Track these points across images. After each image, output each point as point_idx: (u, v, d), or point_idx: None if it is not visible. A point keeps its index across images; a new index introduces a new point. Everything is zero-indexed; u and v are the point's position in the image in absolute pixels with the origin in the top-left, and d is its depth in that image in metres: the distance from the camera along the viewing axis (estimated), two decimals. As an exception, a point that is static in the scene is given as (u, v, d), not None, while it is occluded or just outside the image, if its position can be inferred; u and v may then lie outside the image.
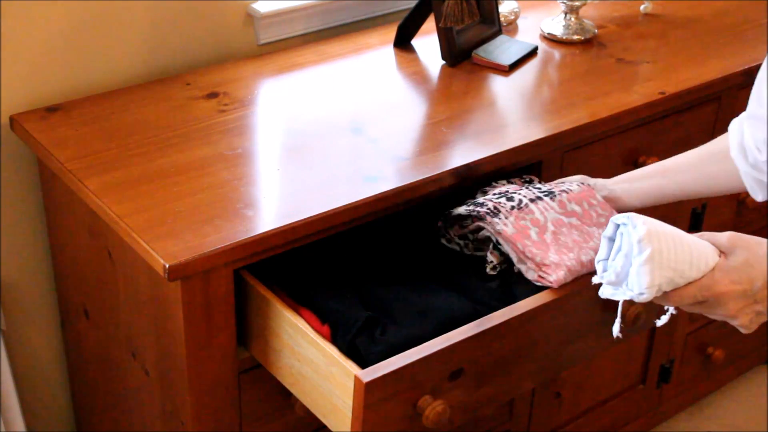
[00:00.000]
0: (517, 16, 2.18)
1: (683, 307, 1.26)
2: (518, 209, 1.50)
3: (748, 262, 1.21)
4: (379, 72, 1.94)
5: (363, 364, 1.33)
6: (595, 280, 1.28)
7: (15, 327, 1.90)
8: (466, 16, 1.95)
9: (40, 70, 1.77)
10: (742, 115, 1.39)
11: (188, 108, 1.76)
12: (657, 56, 2.03)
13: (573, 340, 1.52)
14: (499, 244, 1.48)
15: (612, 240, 1.26)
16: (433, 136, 1.70)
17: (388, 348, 1.35)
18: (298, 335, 1.41)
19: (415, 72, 1.95)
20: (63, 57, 1.78)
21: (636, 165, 1.90)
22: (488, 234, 1.49)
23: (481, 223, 1.50)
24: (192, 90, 1.82)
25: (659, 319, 1.30)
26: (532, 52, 2.03)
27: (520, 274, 1.49)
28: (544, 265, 1.46)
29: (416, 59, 2.00)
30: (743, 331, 1.24)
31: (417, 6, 1.99)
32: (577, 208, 1.54)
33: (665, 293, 1.23)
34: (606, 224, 1.49)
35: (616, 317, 1.30)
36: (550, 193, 1.54)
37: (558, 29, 2.09)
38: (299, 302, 1.46)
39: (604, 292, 1.27)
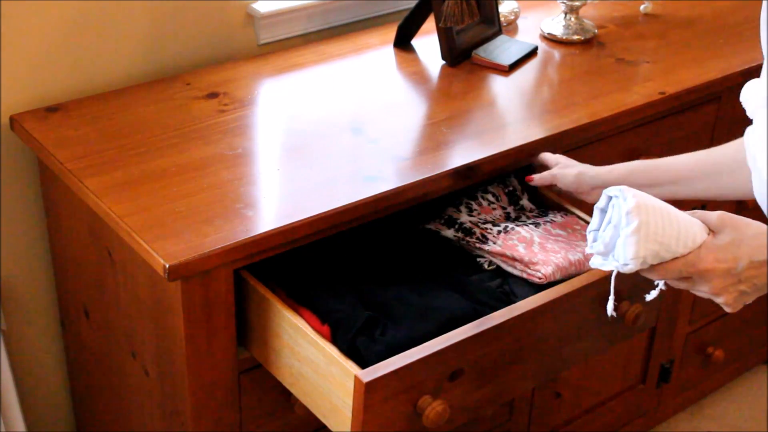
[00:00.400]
0: (517, 16, 2.18)
1: (670, 282, 1.28)
2: (505, 233, 1.56)
3: (735, 242, 1.22)
4: (379, 72, 1.94)
5: (363, 364, 1.33)
6: (587, 250, 1.30)
7: (15, 327, 1.90)
8: (466, 16, 1.95)
9: (40, 70, 1.77)
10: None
11: (188, 108, 1.76)
12: (657, 56, 2.03)
13: (573, 340, 1.52)
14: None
15: (604, 211, 1.28)
16: (433, 136, 1.70)
17: (388, 348, 1.35)
18: (298, 335, 1.41)
19: (415, 72, 1.95)
20: (63, 57, 1.78)
21: (636, 165, 1.91)
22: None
23: (468, 248, 1.57)
24: (192, 90, 1.82)
25: (648, 294, 1.31)
26: (532, 52, 2.03)
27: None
28: (532, 263, 1.49)
29: (416, 59, 2.00)
30: (727, 309, 1.26)
31: (417, 6, 1.99)
32: (561, 232, 1.58)
33: (651, 266, 1.25)
34: None
35: (609, 295, 1.31)
36: (535, 223, 1.59)
37: (558, 29, 2.09)
38: (299, 302, 1.46)
39: (594, 262, 1.29)
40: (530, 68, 1.98)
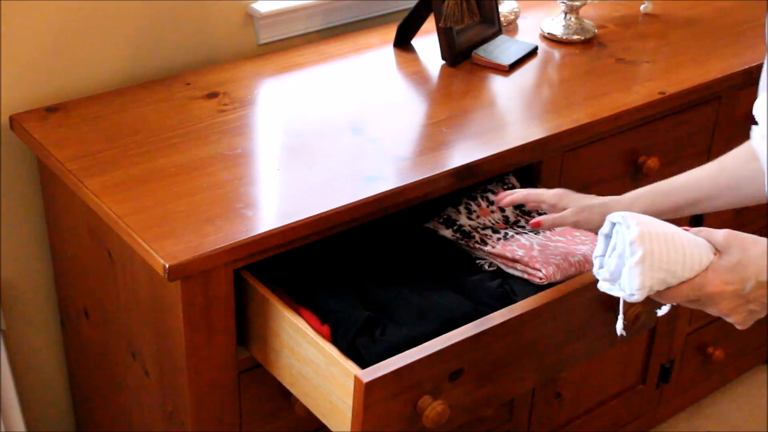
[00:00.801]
0: (517, 16, 2.18)
1: (680, 303, 1.27)
2: (504, 239, 1.56)
3: (741, 263, 1.21)
4: (379, 72, 1.94)
5: (363, 364, 1.33)
6: (593, 272, 1.29)
7: (15, 327, 1.90)
8: (466, 16, 1.95)
9: (40, 70, 1.77)
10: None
11: (188, 108, 1.76)
12: (657, 56, 2.03)
13: (573, 339, 1.52)
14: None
15: (608, 237, 1.27)
16: (433, 136, 1.70)
17: (388, 348, 1.35)
18: (298, 335, 1.41)
19: (415, 72, 1.95)
20: (63, 57, 1.78)
21: (636, 165, 1.91)
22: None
23: (467, 249, 1.57)
24: (192, 90, 1.82)
25: (660, 309, 1.30)
26: (532, 52, 2.03)
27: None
28: (532, 264, 1.50)
29: (416, 59, 2.00)
30: (738, 327, 1.25)
31: (417, 6, 1.99)
32: (561, 239, 1.59)
33: (659, 292, 1.24)
34: (590, 245, 1.55)
35: (618, 315, 1.30)
36: (535, 231, 1.60)
37: (558, 29, 2.09)
38: (299, 302, 1.46)
39: (602, 287, 1.28)
40: (530, 68, 1.98)
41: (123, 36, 1.84)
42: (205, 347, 1.47)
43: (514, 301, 1.44)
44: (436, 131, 1.72)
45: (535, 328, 1.44)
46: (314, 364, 1.40)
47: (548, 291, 1.44)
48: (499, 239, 1.57)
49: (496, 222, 1.62)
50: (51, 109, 1.74)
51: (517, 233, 1.59)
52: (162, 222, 1.44)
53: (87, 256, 1.68)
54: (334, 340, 1.39)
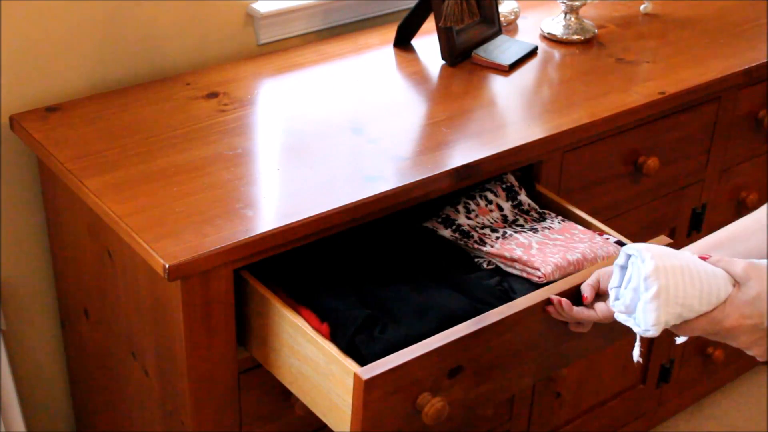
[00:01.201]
0: (517, 16, 2.18)
1: (698, 335, 1.24)
2: (503, 238, 1.57)
3: (760, 296, 1.16)
4: (379, 72, 1.94)
5: (362, 362, 1.33)
6: (609, 304, 1.28)
7: (15, 327, 1.90)
8: (466, 16, 1.95)
9: (40, 70, 1.77)
10: None
11: (188, 108, 1.76)
12: (657, 56, 2.03)
13: (572, 336, 1.51)
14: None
15: (624, 268, 1.24)
16: (433, 136, 1.70)
17: (387, 346, 1.35)
18: (298, 334, 1.41)
19: (415, 72, 1.95)
20: (63, 57, 1.78)
21: (636, 165, 1.91)
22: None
23: (466, 248, 1.58)
24: (192, 90, 1.82)
25: (678, 337, 1.27)
26: (532, 52, 2.03)
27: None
28: (531, 263, 1.50)
29: (416, 59, 2.00)
30: (759, 359, 1.22)
31: (417, 6, 1.99)
32: (560, 237, 1.59)
33: (675, 325, 1.21)
34: (588, 243, 1.56)
35: (635, 341, 1.28)
36: (533, 229, 1.60)
37: (558, 29, 2.09)
38: (299, 301, 1.46)
39: (618, 318, 1.26)
40: (530, 68, 1.98)
41: (123, 36, 1.84)
42: (205, 347, 1.47)
43: (512, 299, 1.44)
44: (436, 131, 1.72)
45: (533, 326, 1.44)
46: (314, 362, 1.40)
47: (546, 288, 1.44)
48: (497, 238, 1.57)
49: (495, 221, 1.63)
50: (51, 109, 1.74)
51: (515, 232, 1.59)
52: (162, 222, 1.44)
53: (87, 256, 1.68)
54: (334, 339, 1.39)
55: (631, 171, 1.92)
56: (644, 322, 1.20)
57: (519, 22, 2.18)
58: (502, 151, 1.66)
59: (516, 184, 1.69)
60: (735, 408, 2.53)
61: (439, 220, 1.61)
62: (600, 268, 1.42)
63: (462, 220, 1.60)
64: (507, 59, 1.97)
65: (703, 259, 1.22)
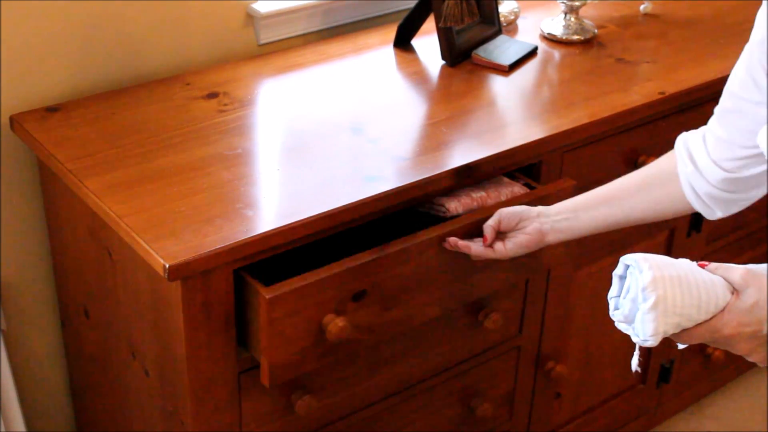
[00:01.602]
0: (517, 16, 2.18)
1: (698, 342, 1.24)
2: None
3: (759, 304, 1.16)
4: (379, 72, 1.94)
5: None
6: (610, 314, 1.28)
7: (15, 327, 1.90)
8: (466, 16, 1.95)
9: (40, 70, 1.77)
10: (694, 133, 1.38)
11: (188, 108, 1.76)
12: (657, 56, 2.03)
13: (480, 269, 1.58)
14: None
15: (623, 278, 1.25)
16: (433, 136, 1.70)
17: None
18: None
19: (415, 72, 1.95)
20: (63, 57, 1.78)
21: (636, 165, 1.91)
22: None
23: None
24: (192, 90, 1.82)
25: (686, 344, 1.28)
26: (532, 52, 2.03)
27: None
28: (438, 201, 1.62)
29: (416, 59, 2.00)
30: (761, 365, 1.22)
31: (417, 6, 1.99)
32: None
33: (675, 334, 1.21)
34: (495, 184, 1.67)
35: (634, 351, 1.28)
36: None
37: (558, 29, 2.09)
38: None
39: (619, 327, 1.25)
40: (530, 68, 1.98)
41: (123, 36, 1.84)
42: (205, 347, 1.47)
43: None
44: (436, 131, 1.72)
45: (435, 257, 1.53)
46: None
47: (450, 222, 1.55)
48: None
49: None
50: (51, 109, 1.74)
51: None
52: (162, 222, 1.44)
53: (87, 256, 1.68)
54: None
55: (631, 171, 1.91)
56: (643, 332, 1.20)
57: (519, 22, 2.18)
58: (502, 151, 1.66)
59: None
60: (735, 408, 2.53)
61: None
62: (502, 208, 1.53)
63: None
64: (507, 59, 1.97)
65: (702, 266, 1.22)
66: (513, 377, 1.96)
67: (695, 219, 2.12)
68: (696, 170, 1.35)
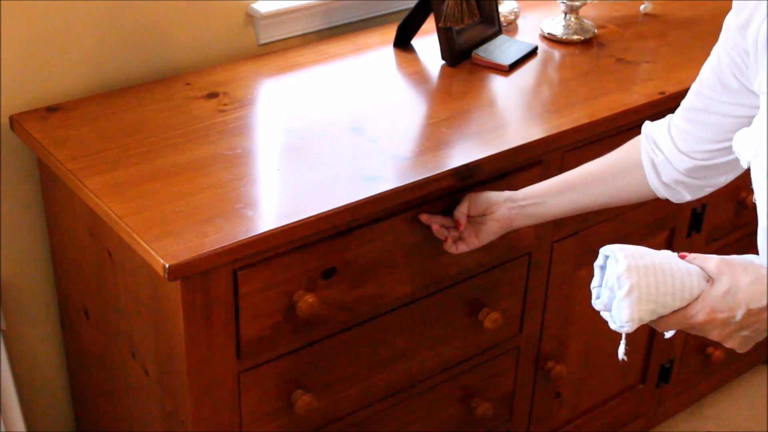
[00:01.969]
0: (517, 16, 2.18)
1: (676, 329, 1.29)
2: None
3: (731, 291, 1.21)
4: (379, 72, 1.94)
5: None
6: (592, 302, 1.33)
7: (15, 327, 1.90)
8: (466, 16, 1.95)
9: (40, 70, 1.77)
10: (659, 123, 1.44)
11: (188, 108, 1.76)
12: (657, 56, 2.03)
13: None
14: None
15: (603, 268, 1.30)
16: (433, 136, 1.70)
17: None
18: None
19: (415, 72, 1.95)
20: (63, 57, 1.78)
21: (636, 165, 1.91)
22: None
23: None
24: (192, 90, 1.82)
25: (666, 332, 1.31)
26: (532, 52, 2.03)
27: None
28: None
29: (416, 59, 2.00)
30: (738, 350, 1.26)
31: (417, 6, 1.99)
32: None
33: (652, 320, 1.26)
34: None
35: (621, 339, 1.32)
36: None
37: (558, 29, 2.09)
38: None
39: (603, 316, 1.30)
40: (530, 68, 1.98)
41: (123, 36, 1.84)
42: (205, 347, 1.47)
43: None
44: (436, 131, 1.72)
45: (406, 234, 1.58)
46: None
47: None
48: None
49: None
50: (51, 109, 1.74)
51: None
52: (162, 222, 1.44)
53: (87, 256, 1.68)
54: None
55: (631, 171, 1.92)
56: (619, 319, 1.25)
57: (519, 22, 2.18)
58: (502, 151, 1.66)
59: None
60: (735, 408, 2.53)
61: None
62: (471, 193, 1.60)
63: None
64: (507, 59, 1.97)
65: (683, 257, 1.27)
66: (513, 377, 1.96)
67: (694, 219, 2.12)
68: (665, 159, 1.41)
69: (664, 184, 1.44)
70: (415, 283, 1.66)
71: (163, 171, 1.57)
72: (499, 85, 1.91)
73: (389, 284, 1.62)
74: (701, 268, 1.25)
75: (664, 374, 2.31)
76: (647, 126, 1.47)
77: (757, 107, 1.24)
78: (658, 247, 2.11)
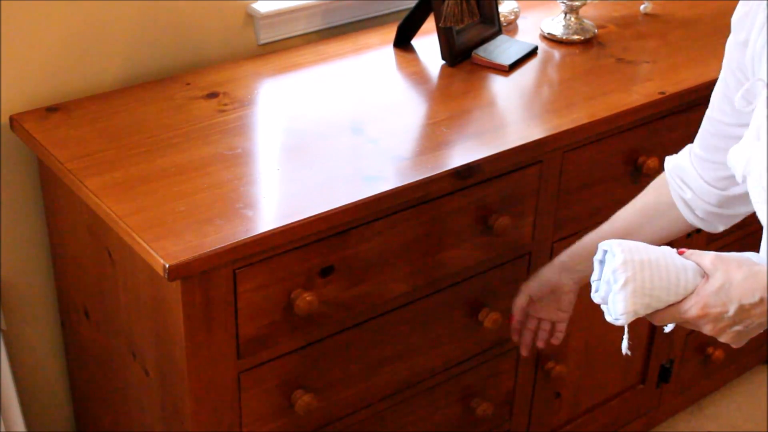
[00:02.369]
0: (517, 16, 2.18)
1: (672, 323, 1.31)
2: None
3: (724, 287, 1.23)
4: (379, 72, 1.94)
5: None
6: (591, 295, 1.34)
7: (15, 327, 1.90)
8: (466, 16, 1.95)
9: (40, 70, 1.77)
10: (681, 157, 1.47)
11: (188, 108, 1.76)
12: (657, 56, 2.03)
13: (445, 248, 1.65)
14: None
15: (602, 263, 1.32)
16: (433, 136, 1.70)
17: None
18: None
19: (415, 72, 1.95)
20: (63, 57, 1.78)
21: (636, 165, 1.91)
22: None
23: None
24: (192, 90, 1.82)
25: (665, 326, 1.33)
26: (532, 52, 2.03)
27: None
28: None
29: (416, 59, 2.00)
30: (732, 345, 1.28)
31: (417, 6, 1.99)
32: None
33: (648, 314, 1.28)
34: None
35: (624, 333, 1.34)
36: None
37: (558, 29, 2.09)
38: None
39: (603, 309, 1.32)
40: (530, 68, 1.98)
41: (123, 36, 1.84)
42: (205, 347, 1.47)
43: None
44: (436, 131, 1.72)
45: (404, 233, 1.58)
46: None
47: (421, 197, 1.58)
48: None
49: None
50: (51, 109, 1.74)
51: None
52: (162, 222, 1.44)
53: (87, 256, 1.68)
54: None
55: (631, 171, 1.92)
56: (614, 311, 1.27)
57: (519, 22, 2.18)
58: (502, 151, 1.66)
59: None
60: (735, 408, 2.53)
61: None
62: (527, 284, 1.67)
63: None
64: (507, 59, 1.97)
65: (681, 253, 1.28)
66: (513, 377, 1.96)
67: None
68: (694, 195, 1.44)
69: (700, 218, 1.48)
70: (415, 282, 1.67)
71: (163, 171, 1.57)
72: (499, 85, 1.91)
73: (388, 283, 1.62)
74: (697, 264, 1.27)
75: (664, 374, 2.31)
76: (669, 162, 1.49)
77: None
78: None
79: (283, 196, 1.55)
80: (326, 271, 1.53)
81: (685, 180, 1.45)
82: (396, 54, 2.01)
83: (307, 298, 1.50)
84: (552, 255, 1.87)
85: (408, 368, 1.75)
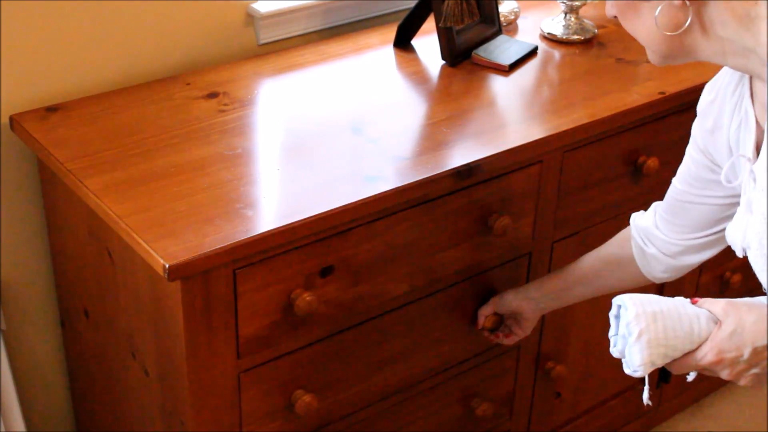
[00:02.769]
0: (517, 16, 2.18)
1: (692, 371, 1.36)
2: None
3: (737, 332, 1.25)
4: (379, 72, 1.94)
5: None
6: (610, 350, 1.37)
7: (15, 327, 1.90)
8: (466, 16, 1.95)
9: (40, 70, 1.77)
10: (646, 217, 1.56)
11: (188, 108, 1.76)
12: (657, 56, 2.03)
13: (445, 248, 1.66)
14: None
15: (617, 317, 1.34)
16: (433, 136, 1.70)
17: None
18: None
19: (415, 72, 1.95)
20: (63, 57, 1.78)
21: (636, 165, 1.91)
22: None
23: None
24: (192, 90, 1.82)
25: (688, 375, 1.39)
26: (532, 52, 2.03)
27: None
28: None
29: (416, 59, 2.00)
30: (752, 388, 1.30)
31: (417, 6, 1.99)
32: None
33: (666, 364, 1.33)
34: None
35: (644, 385, 1.40)
36: None
37: (558, 29, 2.09)
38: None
39: (622, 363, 1.35)
40: (530, 68, 1.98)
41: (123, 36, 1.84)
42: (205, 347, 1.47)
43: None
44: (436, 131, 1.72)
45: (404, 233, 1.59)
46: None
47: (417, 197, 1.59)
48: None
49: None
50: (51, 109, 1.74)
51: None
52: (162, 222, 1.44)
53: (87, 256, 1.68)
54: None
55: (631, 171, 1.92)
56: (632, 364, 1.32)
57: (519, 22, 2.18)
58: (502, 151, 1.66)
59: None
60: (735, 408, 2.53)
61: None
62: (497, 300, 1.76)
63: None
64: (507, 59, 1.97)
65: (694, 302, 1.31)
66: (513, 377, 1.96)
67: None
68: (657, 250, 1.53)
69: (655, 276, 1.57)
70: (415, 282, 1.67)
71: (163, 171, 1.57)
72: (499, 85, 1.91)
73: (388, 283, 1.62)
74: (710, 311, 1.29)
75: (664, 374, 2.30)
76: (635, 219, 1.58)
77: (733, 196, 1.35)
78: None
79: (283, 196, 1.55)
80: (326, 271, 1.52)
81: (650, 238, 1.54)
82: (396, 54, 2.01)
83: (307, 298, 1.50)
84: (552, 255, 1.87)
85: (408, 368, 1.75)
